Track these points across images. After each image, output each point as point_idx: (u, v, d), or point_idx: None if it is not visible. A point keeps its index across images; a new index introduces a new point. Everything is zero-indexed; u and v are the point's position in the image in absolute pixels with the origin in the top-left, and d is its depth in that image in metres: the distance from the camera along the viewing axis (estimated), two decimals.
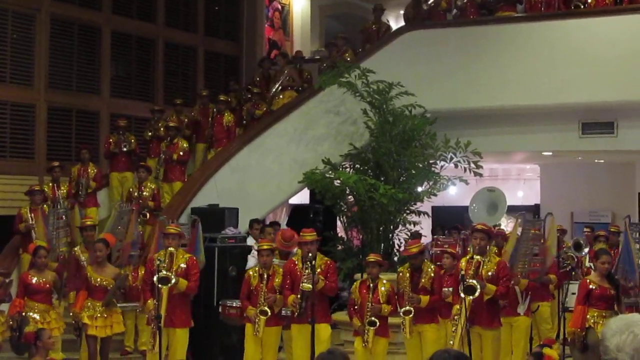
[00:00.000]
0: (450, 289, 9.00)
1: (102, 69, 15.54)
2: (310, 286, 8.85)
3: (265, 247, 9.36)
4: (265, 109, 14.70)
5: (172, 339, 9.14)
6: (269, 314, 9.06)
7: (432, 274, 9.13)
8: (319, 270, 9.02)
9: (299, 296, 8.99)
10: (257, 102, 14.81)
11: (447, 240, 12.12)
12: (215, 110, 14.56)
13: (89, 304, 9.30)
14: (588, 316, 8.74)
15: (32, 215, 11.86)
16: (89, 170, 13.35)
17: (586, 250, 11.20)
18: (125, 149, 13.84)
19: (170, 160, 13.70)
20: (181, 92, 16.44)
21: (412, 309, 8.88)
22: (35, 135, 14.47)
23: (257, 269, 9.35)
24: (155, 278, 8.88)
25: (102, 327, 9.35)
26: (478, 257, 8.76)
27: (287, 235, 10.18)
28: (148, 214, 12.72)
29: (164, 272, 8.90)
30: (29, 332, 8.27)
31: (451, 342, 8.48)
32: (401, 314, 8.93)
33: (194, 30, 17.39)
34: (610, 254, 9.64)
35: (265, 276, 9.19)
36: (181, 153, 13.73)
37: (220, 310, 10.23)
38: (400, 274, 9.28)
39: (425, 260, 9.56)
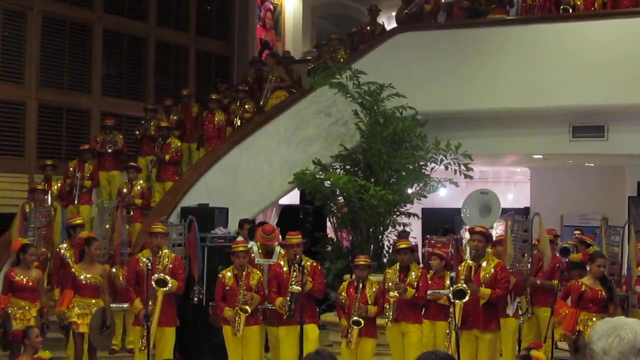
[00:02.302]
0: (441, 290, 8.99)
1: (93, 68, 15.51)
2: (299, 288, 8.85)
3: (240, 248, 9.29)
4: (252, 106, 14.64)
5: (160, 337, 9.09)
6: (249, 311, 8.96)
7: (419, 273, 9.20)
8: (305, 272, 9.00)
9: (287, 298, 8.98)
10: (244, 101, 14.76)
11: (440, 239, 11.99)
12: (207, 109, 14.53)
13: (79, 302, 9.21)
14: (579, 319, 8.76)
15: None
16: (85, 167, 13.31)
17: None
18: (109, 150, 13.78)
19: (163, 161, 13.68)
20: (172, 92, 16.40)
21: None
22: (26, 133, 14.45)
23: (231, 269, 9.26)
24: (153, 279, 8.82)
25: None
26: (472, 262, 8.70)
27: (267, 229, 10.13)
28: (132, 211, 12.68)
29: (162, 275, 8.87)
30: (16, 330, 8.24)
31: (446, 344, 8.52)
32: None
33: (185, 30, 17.37)
34: (606, 257, 9.67)
35: (243, 276, 9.08)
36: (174, 153, 13.71)
37: (210, 311, 10.16)
38: (388, 275, 9.29)
39: (414, 262, 9.56)
